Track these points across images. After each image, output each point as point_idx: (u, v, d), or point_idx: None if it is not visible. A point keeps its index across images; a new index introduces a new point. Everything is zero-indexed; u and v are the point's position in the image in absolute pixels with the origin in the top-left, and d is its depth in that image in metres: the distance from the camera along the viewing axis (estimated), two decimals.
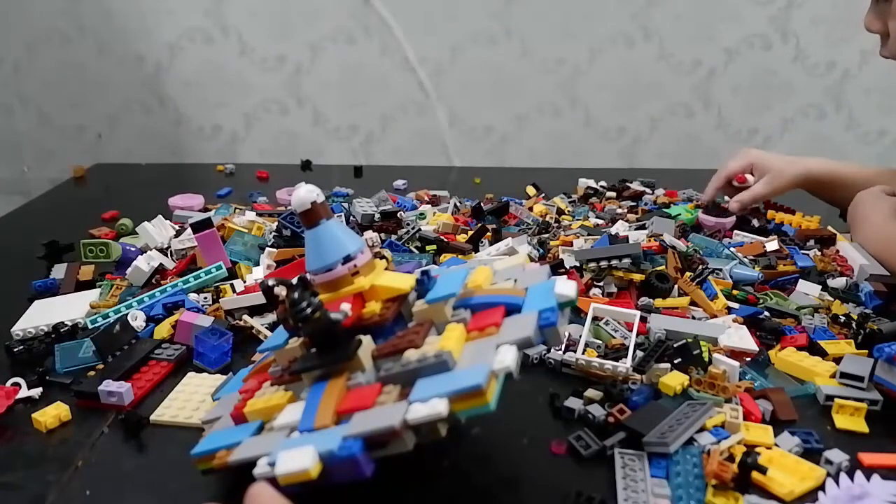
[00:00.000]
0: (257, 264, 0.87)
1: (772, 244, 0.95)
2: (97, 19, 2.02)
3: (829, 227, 1.02)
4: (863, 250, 0.89)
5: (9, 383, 0.63)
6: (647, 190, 1.26)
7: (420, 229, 0.96)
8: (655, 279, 0.79)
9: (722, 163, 1.15)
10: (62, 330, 0.72)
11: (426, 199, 1.19)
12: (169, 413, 0.60)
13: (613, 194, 1.23)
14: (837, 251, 0.92)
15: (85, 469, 0.54)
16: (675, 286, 0.80)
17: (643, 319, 0.71)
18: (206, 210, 1.15)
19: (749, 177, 1.10)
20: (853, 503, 0.49)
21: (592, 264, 0.82)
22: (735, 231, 1.03)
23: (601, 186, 1.27)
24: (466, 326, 0.49)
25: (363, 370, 0.48)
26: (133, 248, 0.91)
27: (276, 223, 0.96)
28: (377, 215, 0.99)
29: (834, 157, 1.14)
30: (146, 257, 0.85)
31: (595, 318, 0.72)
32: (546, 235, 0.97)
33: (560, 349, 0.67)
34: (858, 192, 0.97)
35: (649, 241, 0.90)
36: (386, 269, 0.56)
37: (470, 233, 0.97)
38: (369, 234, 0.93)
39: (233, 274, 0.85)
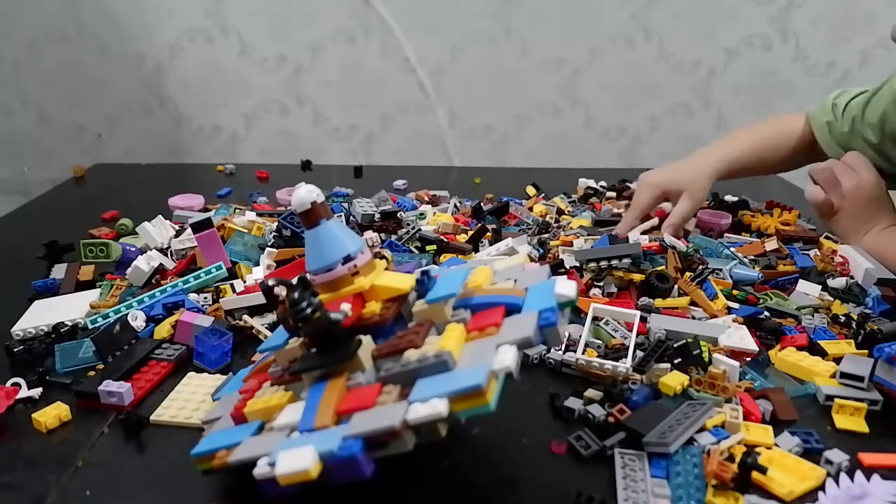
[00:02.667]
0: (257, 264, 0.87)
1: (772, 244, 0.95)
2: (97, 19, 2.02)
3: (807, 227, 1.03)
4: (866, 253, 0.89)
5: (9, 383, 0.63)
6: None
7: (420, 229, 0.96)
8: (655, 279, 0.79)
9: (632, 201, 1.02)
10: (62, 330, 0.72)
11: (426, 199, 1.19)
12: (169, 413, 0.60)
13: (613, 194, 1.23)
14: (835, 251, 0.92)
15: (85, 469, 0.54)
16: (675, 286, 0.80)
17: (643, 319, 0.71)
18: (206, 210, 1.15)
19: (666, 205, 1.00)
20: (853, 503, 0.49)
21: (592, 264, 0.82)
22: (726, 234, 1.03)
23: (601, 186, 1.27)
24: (466, 326, 0.49)
25: (363, 370, 0.48)
26: (133, 248, 0.91)
27: (276, 223, 0.96)
28: (377, 215, 0.99)
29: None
30: (146, 257, 0.85)
31: (595, 318, 0.72)
32: (546, 235, 0.97)
33: (560, 349, 0.67)
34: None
35: (649, 241, 0.90)
36: (386, 269, 0.56)
37: (470, 233, 0.97)
38: (369, 234, 0.93)
39: (233, 274, 0.85)
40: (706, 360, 0.65)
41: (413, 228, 0.97)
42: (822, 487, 0.51)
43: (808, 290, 0.82)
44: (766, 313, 0.76)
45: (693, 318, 0.75)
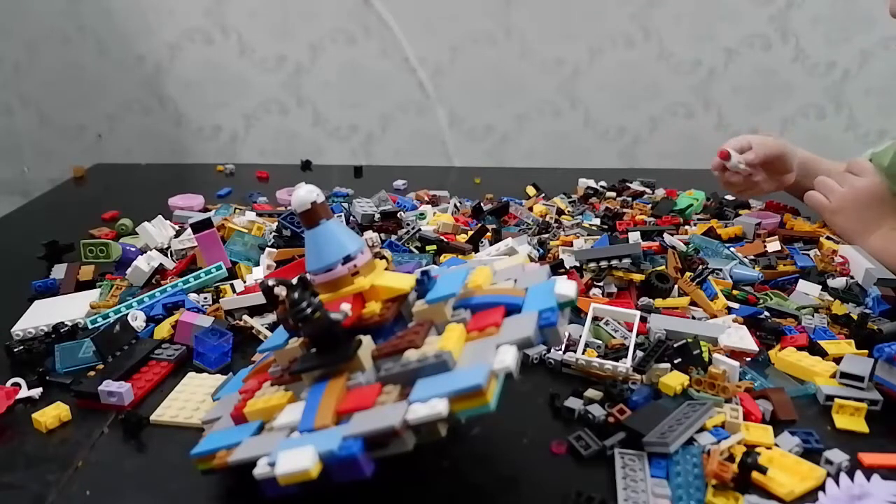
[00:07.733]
0: (257, 264, 0.87)
1: (773, 244, 0.95)
2: (97, 19, 2.02)
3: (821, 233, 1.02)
4: (866, 253, 0.89)
5: (9, 383, 0.63)
6: (648, 190, 1.26)
7: (420, 229, 0.96)
8: (655, 279, 0.79)
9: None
10: (62, 330, 0.72)
11: (426, 199, 1.19)
12: (169, 413, 0.60)
13: (613, 194, 1.23)
14: (835, 251, 0.92)
15: (85, 469, 0.54)
16: (675, 286, 0.80)
17: (643, 319, 0.71)
18: (206, 210, 1.15)
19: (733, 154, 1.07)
20: (853, 503, 0.49)
21: (592, 264, 0.82)
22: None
23: (601, 186, 1.27)
24: (466, 326, 0.49)
25: (363, 370, 0.48)
26: (133, 248, 0.91)
27: (276, 223, 0.96)
28: (377, 215, 0.99)
29: (834, 157, 1.13)
30: (146, 257, 0.85)
31: (595, 318, 0.72)
32: (546, 235, 0.97)
33: (560, 349, 0.67)
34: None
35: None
36: (386, 269, 0.56)
37: (470, 233, 0.97)
38: (369, 234, 0.93)
39: (233, 274, 0.85)
40: (706, 360, 0.65)
41: (413, 228, 0.97)
42: (822, 487, 0.51)
43: (808, 290, 0.82)
44: (766, 313, 0.76)
45: (693, 318, 0.75)
